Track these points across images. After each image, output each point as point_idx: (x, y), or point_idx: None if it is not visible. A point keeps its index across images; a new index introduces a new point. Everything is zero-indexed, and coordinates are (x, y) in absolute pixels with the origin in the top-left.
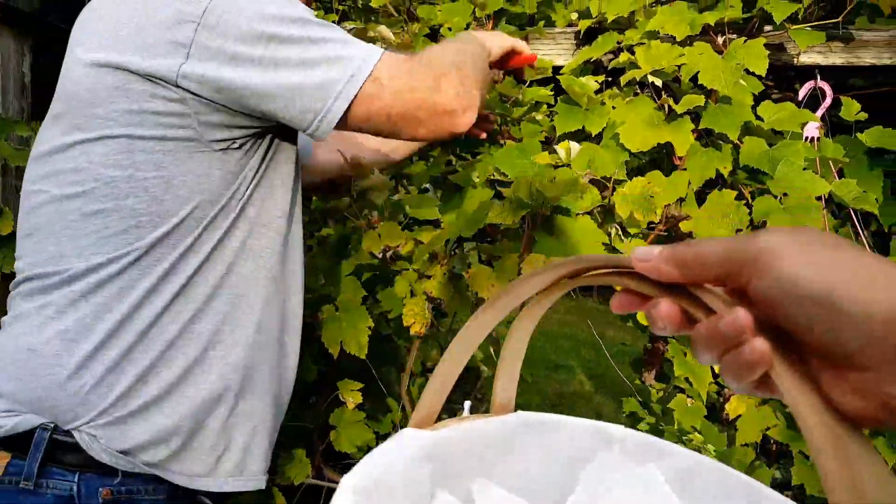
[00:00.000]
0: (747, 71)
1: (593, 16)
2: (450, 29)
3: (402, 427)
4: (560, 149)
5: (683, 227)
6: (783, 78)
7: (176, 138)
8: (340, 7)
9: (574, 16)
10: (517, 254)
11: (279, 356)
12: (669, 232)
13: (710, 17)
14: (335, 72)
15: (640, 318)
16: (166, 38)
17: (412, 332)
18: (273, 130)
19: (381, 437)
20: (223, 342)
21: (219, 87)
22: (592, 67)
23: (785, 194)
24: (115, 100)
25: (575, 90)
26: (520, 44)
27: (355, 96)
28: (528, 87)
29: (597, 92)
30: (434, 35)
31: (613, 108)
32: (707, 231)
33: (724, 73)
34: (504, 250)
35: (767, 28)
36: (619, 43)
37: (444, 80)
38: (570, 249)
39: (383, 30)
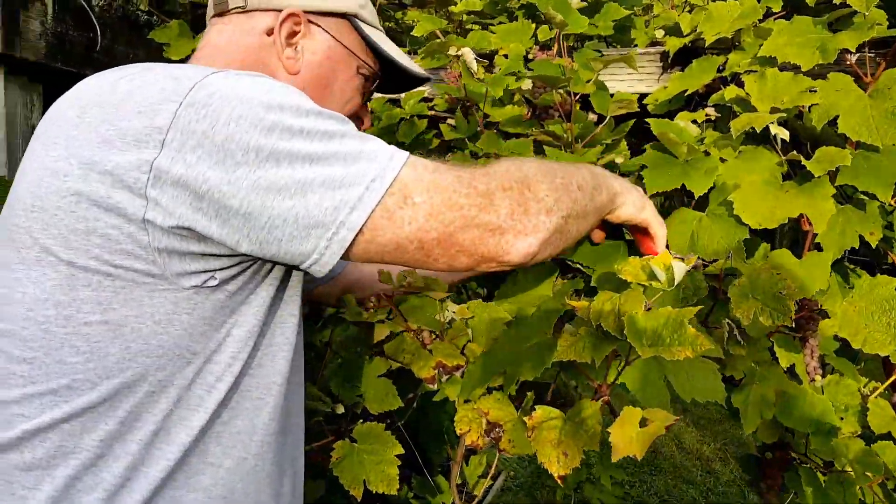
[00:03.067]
0: None
1: (685, 34)
2: (505, 56)
3: None
4: (655, 266)
5: (825, 328)
6: None
7: (130, 270)
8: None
9: (659, 33)
10: (599, 400)
11: None
12: (799, 330)
13: (850, 40)
14: (344, 190)
15: None
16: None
17: (467, 441)
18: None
19: None
20: None
21: (192, 231)
22: (684, 101)
23: None
24: (59, 212)
25: (670, 138)
26: (656, 223)
27: (369, 216)
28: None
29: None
30: (488, 64)
31: (722, 160)
32: (860, 336)
33: (877, 118)
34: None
35: None
36: (720, 70)
37: (498, 195)
38: (672, 389)
39: (467, 52)
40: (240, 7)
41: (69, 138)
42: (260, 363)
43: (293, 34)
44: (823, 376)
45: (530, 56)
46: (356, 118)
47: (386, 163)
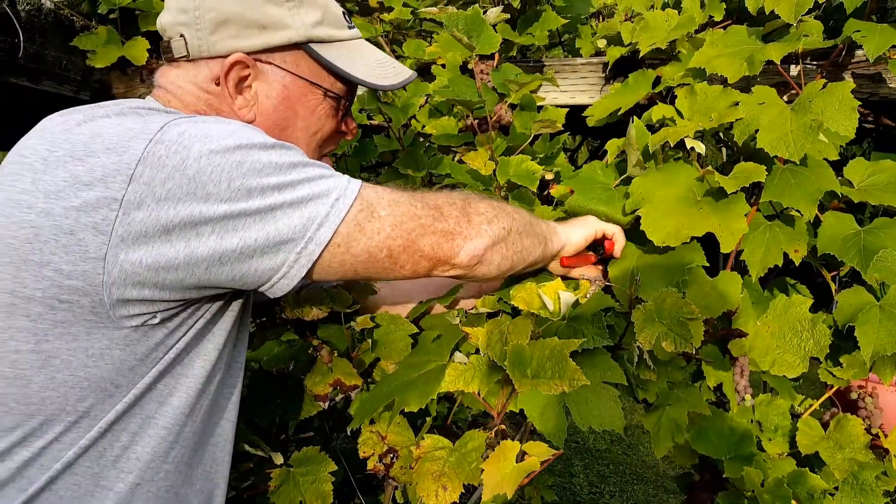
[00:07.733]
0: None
1: (626, 44)
2: (443, 66)
3: None
4: (545, 295)
5: (735, 348)
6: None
7: (75, 305)
8: None
9: (602, 42)
10: (486, 433)
11: None
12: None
13: (776, 52)
14: (311, 207)
15: None
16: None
17: (369, 466)
18: (212, 298)
19: None
20: None
21: (156, 269)
22: (626, 113)
23: (883, 284)
24: (14, 241)
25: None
26: (608, 228)
27: (338, 231)
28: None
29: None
30: (425, 72)
31: (630, 178)
32: (770, 357)
33: (795, 132)
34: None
35: (859, 53)
36: (654, 84)
37: (446, 208)
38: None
39: None
40: (184, 56)
41: (36, 172)
42: (171, 393)
43: (243, 79)
44: (755, 395)
45: (469, 66)
46: (339, 133)
47: (346, 185)
